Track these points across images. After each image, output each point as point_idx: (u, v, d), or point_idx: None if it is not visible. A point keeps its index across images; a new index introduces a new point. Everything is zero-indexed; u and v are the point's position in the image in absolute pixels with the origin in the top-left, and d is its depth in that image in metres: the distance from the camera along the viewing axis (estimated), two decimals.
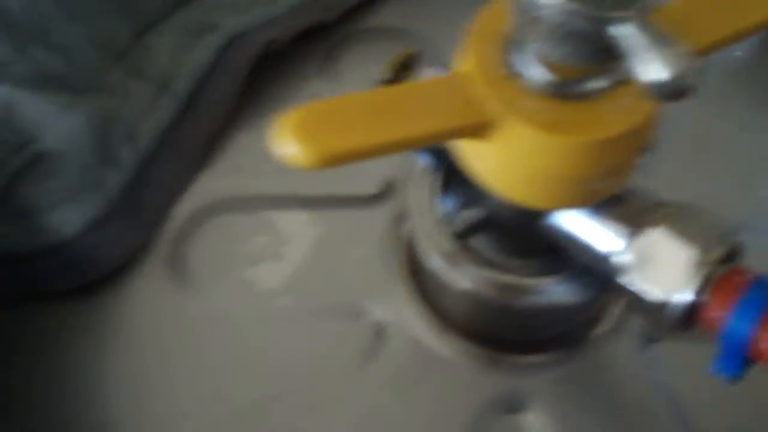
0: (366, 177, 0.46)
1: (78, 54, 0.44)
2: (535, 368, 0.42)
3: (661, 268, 0.33)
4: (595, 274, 0.37)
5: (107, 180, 0.44)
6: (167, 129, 0.46)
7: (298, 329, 0.43)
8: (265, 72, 0.49)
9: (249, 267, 0.44)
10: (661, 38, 0.27)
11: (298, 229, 0.45)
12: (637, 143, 0.32)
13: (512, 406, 0.41)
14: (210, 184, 0.47)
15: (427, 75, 0.38)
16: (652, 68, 0.26)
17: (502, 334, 0.42)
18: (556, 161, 0.31)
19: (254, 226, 0.46)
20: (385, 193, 0.46)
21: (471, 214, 0.38)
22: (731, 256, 0.33)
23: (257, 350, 0.42)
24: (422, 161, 0.40)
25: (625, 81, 0.31)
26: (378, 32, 0.52)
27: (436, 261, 0.38)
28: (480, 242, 0.38)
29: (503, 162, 0.31)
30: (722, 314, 0.32)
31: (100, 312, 0.44)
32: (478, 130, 0.31)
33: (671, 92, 0.27)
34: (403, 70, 0.39)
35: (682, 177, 0.45)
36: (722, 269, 0.32)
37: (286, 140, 0.28)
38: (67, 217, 0.42)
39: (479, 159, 0.32)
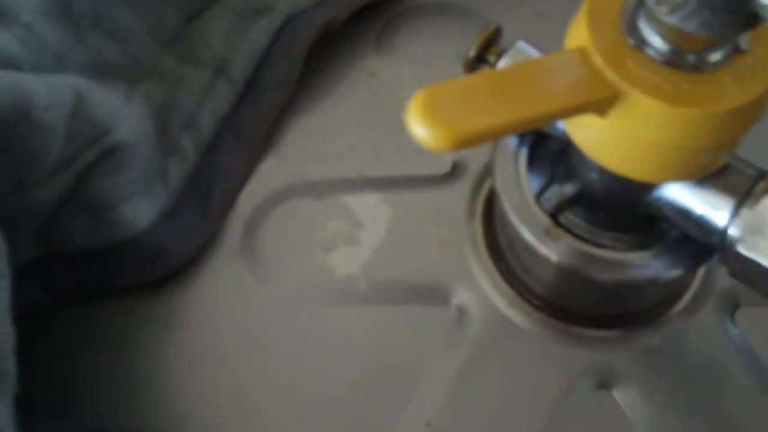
0: (436, 156, 0.45)
1: (132, 41, 0.42)
2: (622, 342, 0.42)
3: None
4: (694, 246, 0.37)
5: (170, 170, 0.43)
6: (227, 115, 0.45)
7: (378, 314, 0.42)
8: (322, 52, 0.48)
9: (324, 253, 0.44)
10: None
11: (371, 211, 0.44)
12: (755, 115, 0.31)
13: (601, 381, 0.41)
14: (275, 170, 0.46)
15: (521, 49, 0.37)
16: None
17: (590, 309, 0.42)
18: (678, 133, 0.30)
19: (325, 211, 0.45)
20: (456, 172, 0.46)
21: (564, 189, 0.37)
22: None
23: (338, 337, 0.42)
24: (508, 139, 0.39)
25: (741, 51, 0.31)
26: (430, 8, 0.51)
27: (529, 236, 0.38)
28: (573, 217, 0.38)
29: (622, 136, 0.31)
30: None
31: (172, 306, 0.43)
32: (602, 104, 0.30)
33: None
34: (488, 46, 0.38)
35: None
36: None
37: (417, 122, 0.27)
38: (140, 210, 0.41)
39: (593, 133, 0.32)
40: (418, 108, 0.28)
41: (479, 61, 0.38)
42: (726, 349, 0.42)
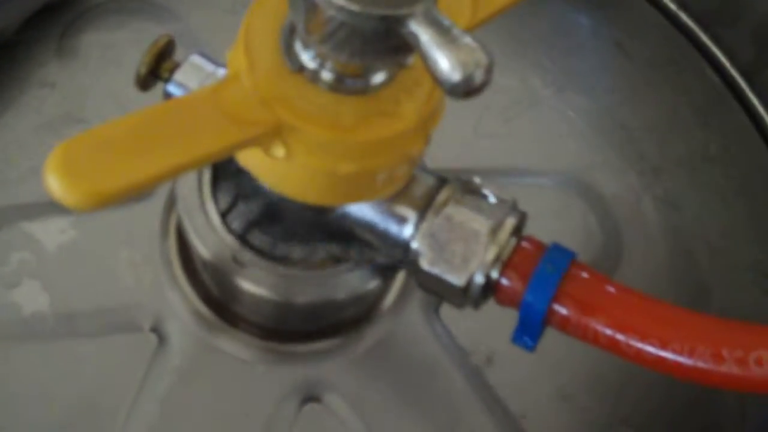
0: None
1: None
2: (326, 354, 0.41)
3: (453, 250, 0.32)
4: (385, 261, 0.36)
5: None
6: None
7: (70, 350, 0.40)
8: None
9: (7, 289, 0.40)
10: (448, 34, 0.26)
11: (58, 238, 0.41)
12: (429, 128, 0.31)
13: (308, 395, 0.40)
14: None
15: (196, 63, 0.35)
16: (443, 69, 0.25)
17: (289, 326, 0.41)
18: (347, 160, 0.29)
19: (6, 242, 0.41)
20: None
21: (251, 207, 0.36)
22: (519, 227, 0.33)
23: (27, 380, 0.39)
24: None
25: (406, 66, 0.30)
26: (114, 8, 0.47)
27: (213, 259, 0.36)
28: (263, 235, 0.37)
29: (291, 165, 0.30)
30: (518, 288, 0.33)
31: None
32: (263, 137, 0.28)
33: (463, 92, 0.26)
34: (160, 61, 0.36)
35: None
36: (513, 242, 0.33)
37: (54, 180, 0.25)
38: None
39: (263, 163, 0.31)
40: (55, 164, 0.25)
41: (152, 77, 0.36)
42: (433, 346, 0.42)
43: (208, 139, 0.27)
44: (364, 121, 0.29)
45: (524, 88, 0.49)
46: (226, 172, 0.37)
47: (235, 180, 0.37)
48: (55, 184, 0.25)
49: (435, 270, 0.33)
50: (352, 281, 0.36)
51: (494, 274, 0.32)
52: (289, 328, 0.41)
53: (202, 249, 0.36)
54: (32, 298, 0.40)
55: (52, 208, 0.42)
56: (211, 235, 0.36)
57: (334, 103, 0.29)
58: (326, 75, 0.29)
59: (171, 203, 0.42)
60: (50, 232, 0.41)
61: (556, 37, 0.51)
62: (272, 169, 0.30)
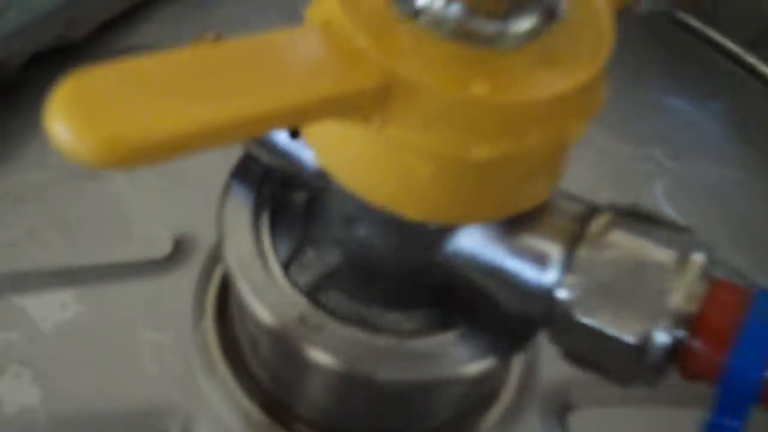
0: (149, 234, 0.33)
1: None
2: None
3: (622, 295, 0.23)
4: (508, 323, 0.26)
5: None
6: None
7: None
8: None
9: None
10: None
11: (57, 315, 0.31)
12: (587, 108, 0.22)
13: None
14: None
15: None
16: None
17: (364, 426, 0.31)
18: (479, 136, 0.20)
19: None
20: (178, 254, 0.34)
21: (324, 257, 0.27)
22: (707, 270, 0.24)
23: None
24: (237, 196, 0.28)
25: (555, 19, 0.22)
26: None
27: (279, 327, 0.26)
28: (338, 294, 0.27)
29: (396, 148, 0.21)
30: (718, 351, 0.23)
31: None
32: (363, 100, 0.20)
33: None
34: None
35: None
36: (704, 287, 0.23)
37: (59, 120, 0.16)
38: None
39: (352, 150, 0.22)
40: (63, 99, 0.17)
41: None
42: None
43: (296, 87, 0.19)
44: (504, 81, 0.20)
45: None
46: (288, 217, 0.28)
47: (300, 224, 0.28)
48: (61, 123, 0.16)
49: (595, 323, 0.23)
50: (457, 357, 0.27)
51: (680, 333, 0.23)
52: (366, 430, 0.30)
53: (262, 311, 0.26)
54: (19, 392, 0.30)
55: (50, 277, 0.32)
56: (274, 293, 0.27)
57: (461, 55, 0.21)
58: (452, 16, 0.20)
59: (208, 273, 0.33)
60: (48, 308, 0.32)
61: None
62: (359, 162, 0.22)
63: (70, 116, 0.16)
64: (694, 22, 0.44)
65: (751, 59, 0.44)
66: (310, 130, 0.23)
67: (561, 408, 0.33)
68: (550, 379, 0.33)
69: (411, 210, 0.23)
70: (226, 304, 0.32)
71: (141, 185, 0.35)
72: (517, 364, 0.33)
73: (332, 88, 0.19)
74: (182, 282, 0.33)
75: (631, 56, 0.42)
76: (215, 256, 0.33)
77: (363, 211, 0.24)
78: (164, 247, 0.33)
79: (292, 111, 0.19)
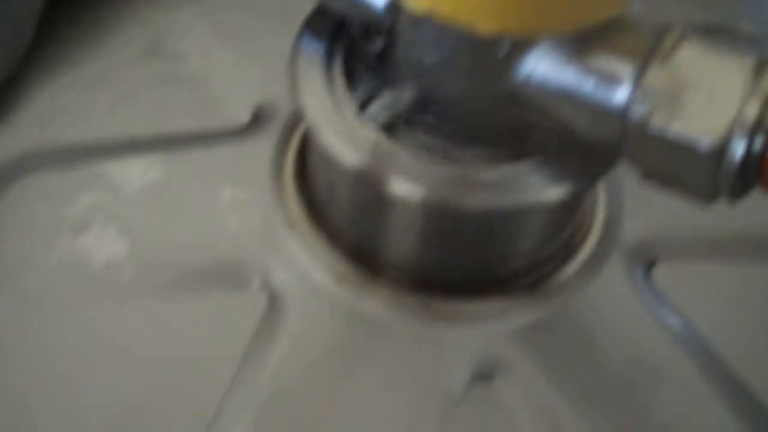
0: (229, 105, 0.34)
1: None
2: (496, 318, 0.30)
3: (696, 101, 0.23)
4: (584, 151, 0.26)
5: None
6: None
7: (154, 309, 0.30)
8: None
9: (76, 235, 0.31)
10: None
11: (140, 177, 0.32)
12: None
13: (476, 372, 0.29)
14: (8, 139, 0.33)
15: None
16: None
17: (450, 263, 0.30)
18: None
19: (79, 183, 0.32)
20: (257, 123, 0.34)
21: (400, 94, 0.27)
22: None
23: (108, 346, 0.29)
24: (309, 48, 0.29)
25: None
26: None
27: (357, 164, 0.26)
28: (418, 134, 0.27)
29: None
30: None
31: None
32: None
33: None
34: None
35: None
36: None
37: None
38: None
39: None
40: None
41: None
42: (643, 321, 0.31)
43: None
44: None
45: None
46: (360, 67, 0.28)
47: (376, 71, 0.28)
48: None
49: (669, 131, 0.23)
50: (540, 181, 0.27)
51: (759, 141, 0.22)
52: (448, 275, 0.30)
53: (342, 150, 0.27)
54: (106, 245, 0.30)
55: (134, 145, 0.33)
56: (352, 132, 0.27)
57: None
58: None
59: (286, 137, 0.33)
60: (131, 172, 0.32)
61: None
62: None
63: None
64: None
65: None
66: None
67: (645, 261, 0.32)
68: (634, 233, 0.32)
69: (485, 20, 0.23)
70: (304, 165, 0.32)
71: (219, 59, 0.36)
72: (599, 218, 0.32)
73: None
74: (261, 146, 0.33)
75: None
76: (295, 120, 0.33)
77: (436, 41, 0.25)
78: (244, 115, 0.34)
79: None
